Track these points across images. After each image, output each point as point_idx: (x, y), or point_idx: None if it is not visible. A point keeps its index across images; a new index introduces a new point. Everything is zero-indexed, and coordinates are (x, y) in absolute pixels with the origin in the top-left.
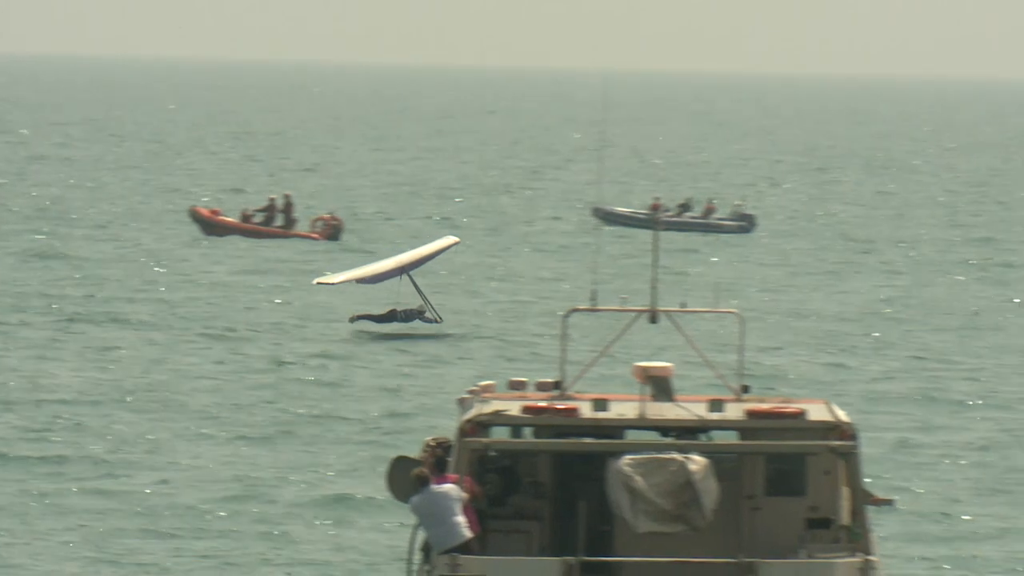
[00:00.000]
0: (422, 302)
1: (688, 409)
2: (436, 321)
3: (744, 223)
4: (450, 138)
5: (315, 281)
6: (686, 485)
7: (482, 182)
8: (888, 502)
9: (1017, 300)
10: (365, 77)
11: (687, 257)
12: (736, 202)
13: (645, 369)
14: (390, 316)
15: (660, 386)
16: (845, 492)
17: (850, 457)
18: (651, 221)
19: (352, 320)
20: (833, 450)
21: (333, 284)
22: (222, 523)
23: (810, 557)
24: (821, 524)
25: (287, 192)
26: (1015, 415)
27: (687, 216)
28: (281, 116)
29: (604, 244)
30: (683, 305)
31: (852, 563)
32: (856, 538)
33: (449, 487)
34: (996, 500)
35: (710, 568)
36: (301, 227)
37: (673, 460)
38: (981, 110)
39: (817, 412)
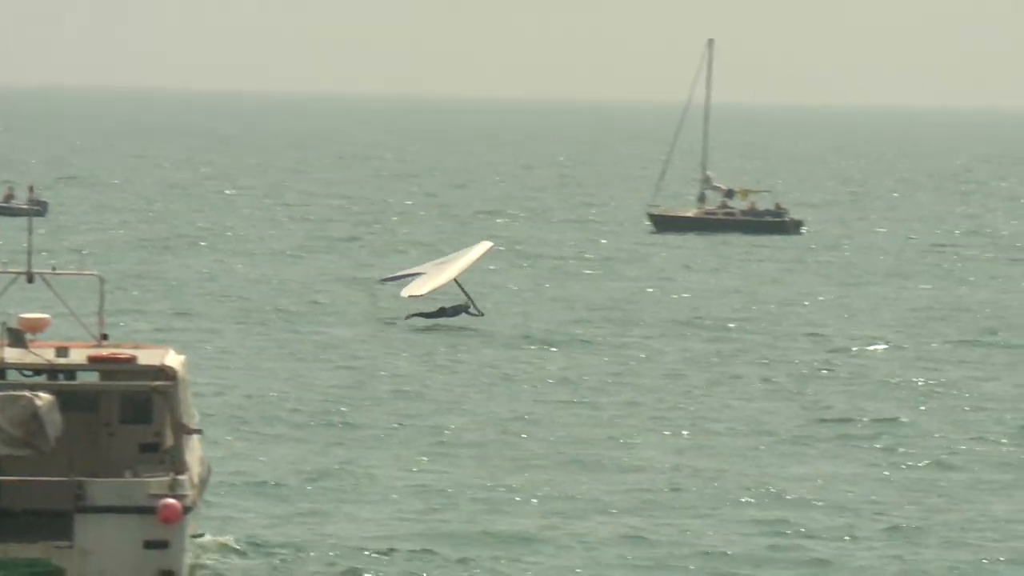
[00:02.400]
0: (466, 299)
1: (40, 354)
2: (480, 314)
3: (39, 208)
4: None
5: (404, 294)
6: (33, 417)
7: None
8: (199, 431)
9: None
10: None
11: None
12: (31, 187)
13: (10, 320)
14: (439, 312)
15: (15, 335)
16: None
17: (168, 395)
18: None
19: (407, 317)
20: (155, 389)
21: (422, 295)
22: None
23: (134, 476)
24: (152, 448)
25: None
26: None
27: None
28: None
29: None
30: (54, 268)
31: (163, 481)
32: (173, 460)
33: None
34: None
35: (53, 485)
36: None
37: (23, 396)
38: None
39: (150, 357)
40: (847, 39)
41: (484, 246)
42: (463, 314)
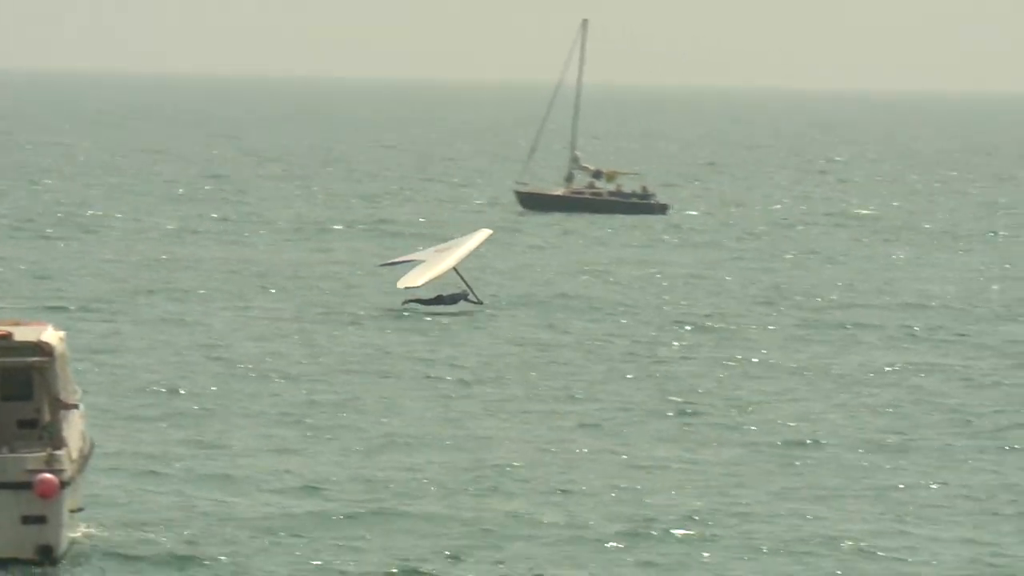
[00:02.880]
0: (465, 287)
1: None
2: (479, 303)
3: None
4: None
5: (400, 285)
6: None
7: None
8: (75, 406)
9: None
10: None
11: None
12: None
13: None
14: (437, 300)
15: None
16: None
17: (45, 371)
18: None
19: (404, 304)
20: (31, 365)
21: (418, 286)
22: None
23: (11, 452)
24: (31, 424)
25: None
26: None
27: None
28: None
29: None
30: None
31: (40, 456)
32: (51, 435)
33: None
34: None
35: None
36: None
37: None
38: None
39: (26, 334)
40: (847, 37)
41: (484, 233)
42: (461, 302)
